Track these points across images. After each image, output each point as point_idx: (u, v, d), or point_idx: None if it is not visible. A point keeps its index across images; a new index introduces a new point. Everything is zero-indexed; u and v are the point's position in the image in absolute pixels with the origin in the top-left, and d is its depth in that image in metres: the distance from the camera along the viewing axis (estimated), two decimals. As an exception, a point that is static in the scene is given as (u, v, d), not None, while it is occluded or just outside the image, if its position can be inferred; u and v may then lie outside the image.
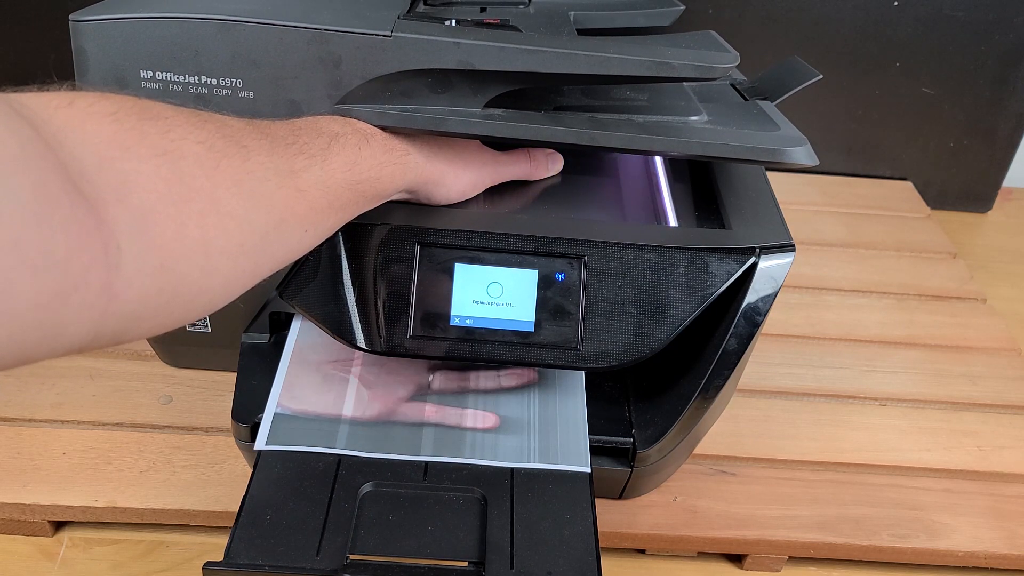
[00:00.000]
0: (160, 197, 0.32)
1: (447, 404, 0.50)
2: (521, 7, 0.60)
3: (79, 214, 0.28)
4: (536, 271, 0.49)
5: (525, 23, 0.54)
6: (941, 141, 0.98)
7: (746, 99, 0.54)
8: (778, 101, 0.53)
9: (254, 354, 0.57)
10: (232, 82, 0.45)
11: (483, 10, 0.59)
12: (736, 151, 0.46)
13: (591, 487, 0.46)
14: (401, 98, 0.46)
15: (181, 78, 0.45)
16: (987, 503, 0.60)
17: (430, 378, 0.52)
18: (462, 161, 0.50)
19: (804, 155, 0.46)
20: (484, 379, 0.52)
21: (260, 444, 0.47)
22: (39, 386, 0.63)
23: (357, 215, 0.45)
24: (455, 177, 0.49)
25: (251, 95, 0.46)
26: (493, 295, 0.49)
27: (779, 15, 0.89)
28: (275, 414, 0.49)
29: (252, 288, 0.56)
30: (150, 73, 0.45)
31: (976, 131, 0.96)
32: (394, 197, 0.48)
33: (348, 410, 0.50)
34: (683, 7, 0.64)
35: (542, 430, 0.49)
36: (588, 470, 0.46)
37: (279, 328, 0.58)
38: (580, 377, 0.53)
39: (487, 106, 0.46)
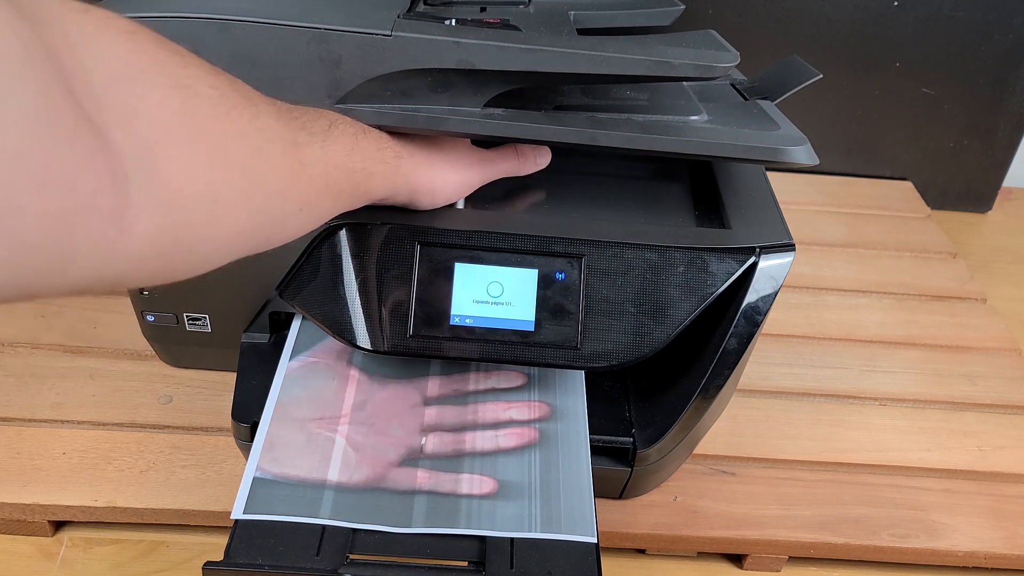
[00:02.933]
0: (168, 131, 0.30)
1: (441, 469, 0.47)
2: (521, 7, 0.60)
3: (82, 131, 0.27)
4: (536, 270, 0.49)
5: (525, 22, 0.54)
6: (941, 141, 0.98)
7: (746, 99, 0.54)
8: (778, 100, 0.53)
9: (254, 354, 0.57)
10: None
11: (483, 9, 0.59)
12: (736, 150, 0.46)
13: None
14: (401, 97, 0.46)
15: None
16: (987, 503, 0.60)
17: (422, 440, 0.49)
18: (449, 164, 0.49)
19: (804, 154, 0.46)
20: (481, 440, 0.49)
21: (237, 513, 0.43)
22: (39, 386, 0.63)
23: (348, 210, 0.44)
24: (443, 181, 0.49)
25: None
26: (493, 295, 0.49)
27: (779, 15, 0.89)
28: (254, 478, 0.45)
29: (252, 287, 0.56)
30: None
31: (976, 131, 0.96)
32: (382, 202, 0.47)
33: (334, 474, 0.46)
34: (683, 7, 0.64)
35: (544, 495, 0.46)
36: (594, 540, 0.43)
37: (279, 328, 0.58)
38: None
39: (487, 105, 0.46)
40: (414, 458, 0.48)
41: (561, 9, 0.59)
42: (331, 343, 0.54)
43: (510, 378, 0.53)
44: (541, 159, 0.54)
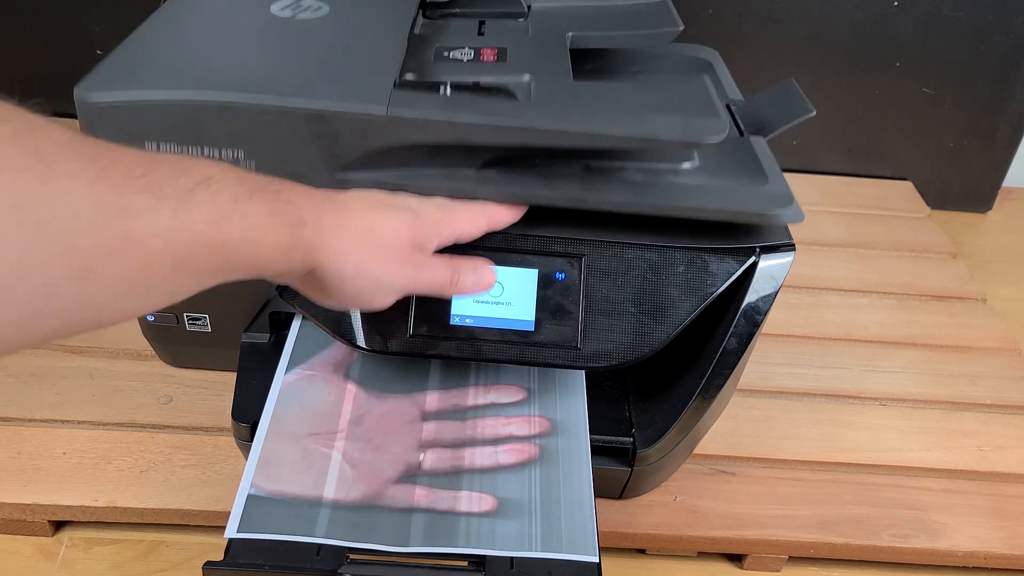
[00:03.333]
0: None
1: (439, 486, 0.46)
2: (520, 19, 0.60)
3: None
4: (536, 270, 0.49)
5: (521, 48, 0.54)
6: (941, 141, 0.98)
7: (741, 131, 0.54)
8: (771, 137, 0.53)
9: (254, 354, 0.57)
10: (234, 153, 0.46)
11: (482, 23, 0.59)
12: (724, 215, 0.47)
13: None
14: (399, 166, 0.47)
15: (184, 149, 0.46)
16: (987, 503, 0.60)
17: (420, 456, 0.48)
18: (375, 252, 0.41)
19: (790, 215, 0.47)
20: (480, 456, 0.48)
21: (231, 532, 0.42)
22: (39, 386, 0.63)
23: (234, 280, 0.36)
24: (356, 268, 0.40)
25: (252, 164, 0.46)
26: (493, 294, 0.49)
27: (779, 15, 0.89)
28: (248, 495, 0.44)
29: (252, 287, 0.56)
30: (154, 145, 0.46)
31: (976, 131, 0.96)
32: (278, 279, 0.40)
33: (330, 492, 0.45)
34: (682, 27, 0.63)
35: (544, 513, 0.45)
36: (596, 559, 0.42)
37: (279, 328, 0.58)
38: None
39: (483, 166, 0.47)
40: (412, 475, 0.47)
41: (559, 31, 0.58)
42: (328, 356, 0.54)
43: (510, 393, 0.53)
44: (481, 280, 0.46)
